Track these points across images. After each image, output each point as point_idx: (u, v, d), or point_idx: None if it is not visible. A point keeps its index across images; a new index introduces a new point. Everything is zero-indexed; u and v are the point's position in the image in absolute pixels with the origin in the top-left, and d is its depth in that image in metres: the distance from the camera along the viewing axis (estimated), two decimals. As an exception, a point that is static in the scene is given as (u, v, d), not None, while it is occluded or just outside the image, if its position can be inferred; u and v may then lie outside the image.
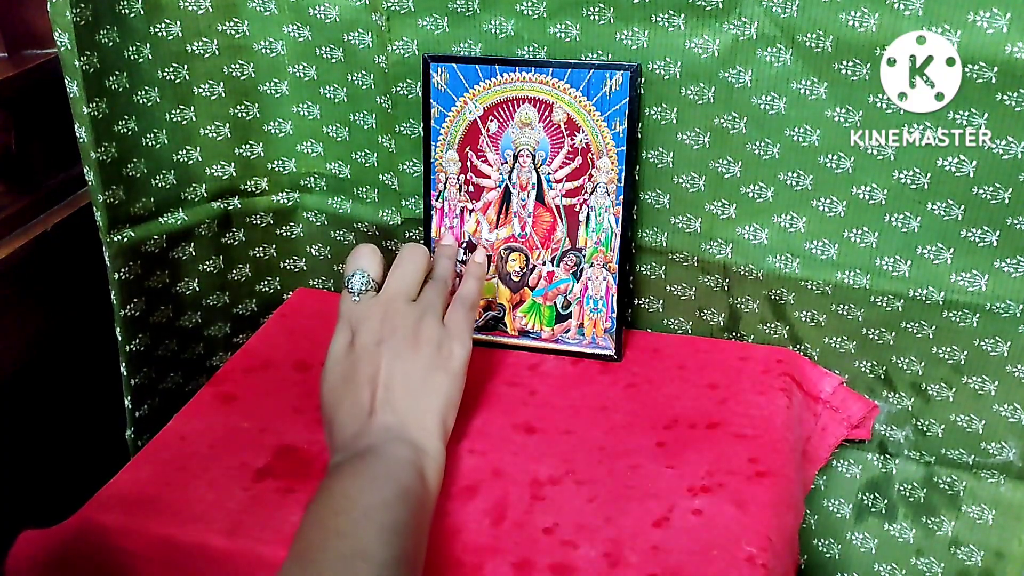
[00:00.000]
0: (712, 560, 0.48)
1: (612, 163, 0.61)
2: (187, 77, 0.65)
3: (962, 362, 0.60)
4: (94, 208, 0.63)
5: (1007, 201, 0.53)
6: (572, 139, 0.61)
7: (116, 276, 0.65)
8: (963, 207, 0.54)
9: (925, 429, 0.64)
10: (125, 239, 0.65)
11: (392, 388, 0.50)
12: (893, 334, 0.61)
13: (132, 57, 0.62)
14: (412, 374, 0.51)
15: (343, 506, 0.43)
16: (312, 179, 0.72)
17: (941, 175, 0.54)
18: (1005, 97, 0.50)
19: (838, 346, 0.64)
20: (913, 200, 0.55)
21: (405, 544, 0.42)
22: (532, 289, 0.65)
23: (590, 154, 0.61)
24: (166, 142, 0.66)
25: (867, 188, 0.56)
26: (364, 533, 0.41)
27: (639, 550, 0.49)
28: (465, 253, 0.64)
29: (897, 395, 0.64)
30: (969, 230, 0.55)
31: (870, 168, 0.56)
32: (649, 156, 0.61)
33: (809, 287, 0.61)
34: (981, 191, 0.53)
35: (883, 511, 0.67)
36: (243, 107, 0.68)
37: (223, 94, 0.67)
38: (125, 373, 0.68)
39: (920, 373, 0.62)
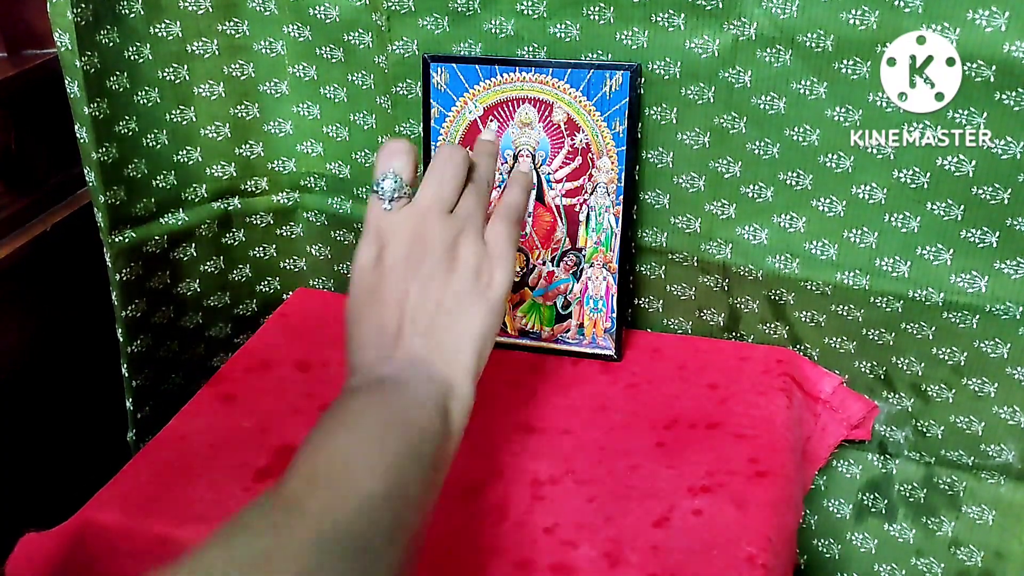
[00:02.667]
0: (712, 560, 0.48)
1: (612, 163, 0.61)
2: (187, 77, 0.65)
3: (962, 363, 0.60)
4: (95, 209, 0.63)
5: (1006, 201, 0.53)
6: (572, 139, 0.61)
7: (117, 277, 0.65)
8: (963, 207, 0.54)
9: (925, 430, 0.64)
10: (126, 240, 0.65)
11: (422, 316, 0.44)
12: (893, 335, 0.61)
13: (132, 57, 0.62)
14: (446, 302, 0.44)
15: (350, 432, 0.39)
16: (312, 179, 0.72)
17: (941, 175, 0.54)
18: (1004, 96, 0.50)
19: (838, 346, 0.64)
20: (913, 200, 0.55)
21: (406, 482, 0.38)
22: (532, 289, 0.65)
23: (590, 154, 0.61)
24: (166, 142, 0.66)
25: (867, 188, 0.56)
26: (368, 460, 0.38)
27: (639, 550, 0.49)
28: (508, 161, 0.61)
29: (897, 396, 0.64)
30: (969, 231, 0.55)
31: (870, 168, 0.56)
32: (649, 156, 0.61)
33: (809, 287, 0.61)
34: (980, 191, 0.53)
35: (883, 511, 0.67)
36: (243, 107, 0.68)
37: (223, 94, 0.67)
38: (127, 374, 0.68)
39: (920, 374, 0.62)
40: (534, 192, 0.63)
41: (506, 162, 0.63)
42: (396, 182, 0.47)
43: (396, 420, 0.40)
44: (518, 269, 0.65)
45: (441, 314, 0.44)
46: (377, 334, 0.44)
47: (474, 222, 0.47)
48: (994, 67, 0.49)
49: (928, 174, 0.54)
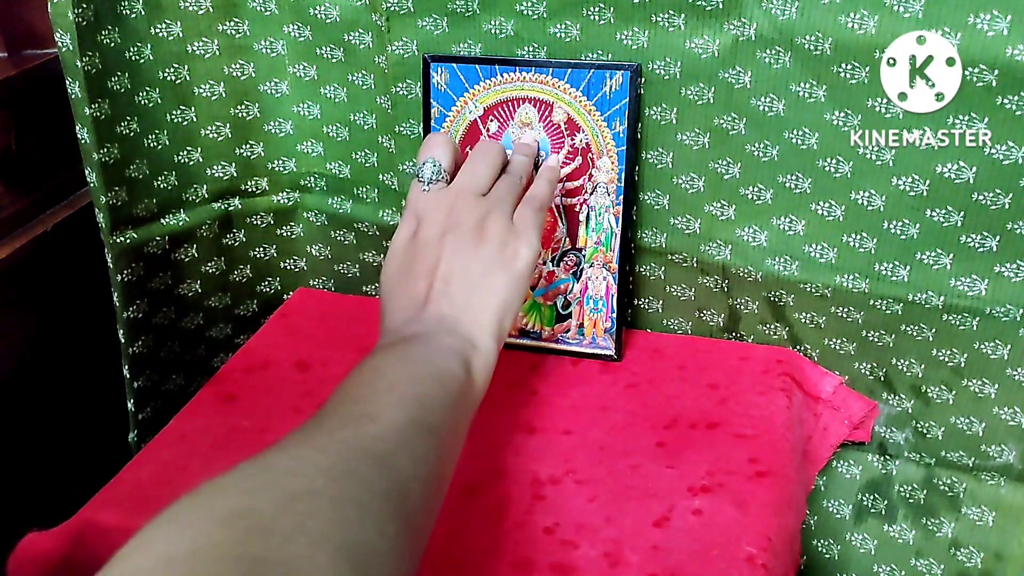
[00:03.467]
0: (712, 560, 0.48)
1: (612, 163, 0.61)
2: (188, 77, 0.65)
3: (962, 365, 0.60)
4: (96, 209, 0.63)
5: (1007, 206, 0.53)
6: (572, 139, 0.61)
7: (119, 278, 0.65)
8: (962, 213, 0.54)
9: (925, 431, 0.64)
10: (128, 240, 0.65)
11: (450, 282, 0.48)
12: (893, 336, 0.61)
13: (133, 58, 0.62)
14: (472, 269, 0.48)
15: (370, 377, 0.41)
16: (312, 179, 0.72)
17: (940, 182, 0.54)
18: (1006, 101, 0.50)
19: (838, 347, 0.64)
20: (912, 208, 0.55)
21: (428, 416, 0.40)
22: (532, 289, 0.65)
23: (590, 154, 0.61)
24: (167, 143, 0.66)
25: (866, 194, 0.56)
26: (381, 399, 0.39)
27: (639, 550, 0.49)
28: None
29: (897, 397, 0.64)
30: (969, 235, 0.55)
31: (869, 174, 0.55)
32: (649, 156, 0.61)
33: (808, 289, 0.61)
34: (981, 197, 0.53)
35: (883, 512, 0.67)
36: (243, 107, 0.68)
37: (223, 94, 0.67)
38: (128, 375, 0.68)
39: (920, 375, 0.62)
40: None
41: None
42: (435, 167, 0.52)
43: (421, 364, 0.43)
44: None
45: (467, 280, 0.48)
46: (407, 300, 0.48)
47: (503, 204, 0.51)
48: (996, 71, 0.49)
49: (927, 181, 0.54)
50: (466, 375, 0.44)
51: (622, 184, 0.61)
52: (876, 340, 0.62)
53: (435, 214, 0.50)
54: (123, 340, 0.67)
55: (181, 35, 0.64)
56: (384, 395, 0.40)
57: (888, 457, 0.66)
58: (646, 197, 0.63)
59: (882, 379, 0.64)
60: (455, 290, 0.48)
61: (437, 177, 0.52)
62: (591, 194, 0.62)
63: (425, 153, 0.53)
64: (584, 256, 0.64)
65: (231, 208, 0.71)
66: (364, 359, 0.43)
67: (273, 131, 0.70)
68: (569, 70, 0.59)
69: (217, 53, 0.66)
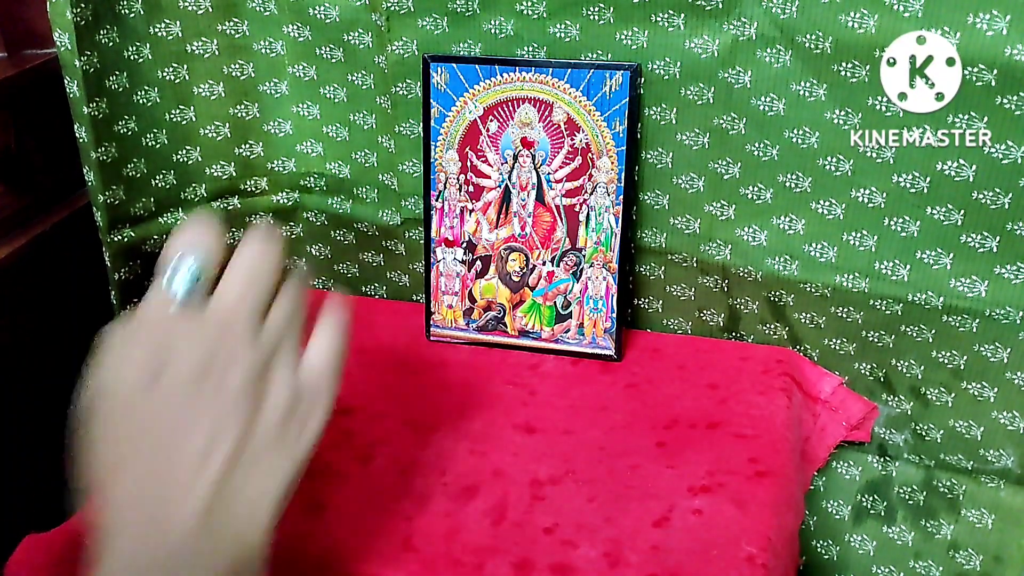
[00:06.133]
0: (712, 560, 0.48)
1: (612, 163, 0.61)
2: (187, 77, 0.65)
3: (961, 367, 0.60)
4: (94, 208, 0.63)
5: (1007, 206, 0.53)
6: (572, 139, 0.61)
7: (116, 276, 0.65)
8: (963, 212, 0.54)
9: (924, 433, 0.64)
10: (125, 239, 0.65)
11: (210, 470, 0.34)
12: (892, 337, 0.61)
13: (132, 57, 0.62)
14: (243, 452, 0.35)
15: None
16: (312, 179, 0.72)
17: (941, 180, 0.54)
18: (1005, 100, 0.50)
19: (838, 347, 0.64)
20: (912, 205, 0.55)
21: None
22: (532, 289, 0.65)
23: (590, 154, 0.61)
24: (166, 142, 0.66)
25: (866, 191, 0.56)
26: None
27: (639, 550, 0.49)
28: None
29: (896, 398, 0.64)
30: (969, 235, 0.55)
31: (869, 171, 0.56)
32: (648, 156, 0.61)
33: (808, 289, 0.61)
34: (981, 196, 0.53)
35: (882, 513, 0.67)
36: (243, 107, 0.68)
37: (223, 94, 0.67)
38: (125, 373, 0.68)
39: (919, 377, 0.62)
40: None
41: (506, 162, 0.63)
42: (194, 272, 0.37)
43: None
44: (518, 269, 0.65)
45: (235, 469, 0.35)
46: (148, 491, 0.34)
47: (290, 344, 0.38)
48: (995, 71, 0.49)
49: (928, 179, 0.54)
50: None
51: (622, 184, 0.61)
52: (876, 341, 0.62)
53: (191, 354, 0.35)
54: (121, 339, 0.67)
55: (180, 35, 0.64)
56: None
57: (888, 458, 0.66)
58: (646, 197, 0.63)
59: (882, 380, 0.64)
60: (217, 485, 0.34)
61: (194, 291, 0.37)
62: (591, 194, 0.62)
63: (180, 248, 0.37)
64: (584, 256, 0.63)
65: (230, 208, 0.71)
66: None
67: (273, 131, 0.70)
68: (569, 70, 0.59)
69: (216, 53, 0.66)
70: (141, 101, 0.64)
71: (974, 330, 0.58)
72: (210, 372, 0.35)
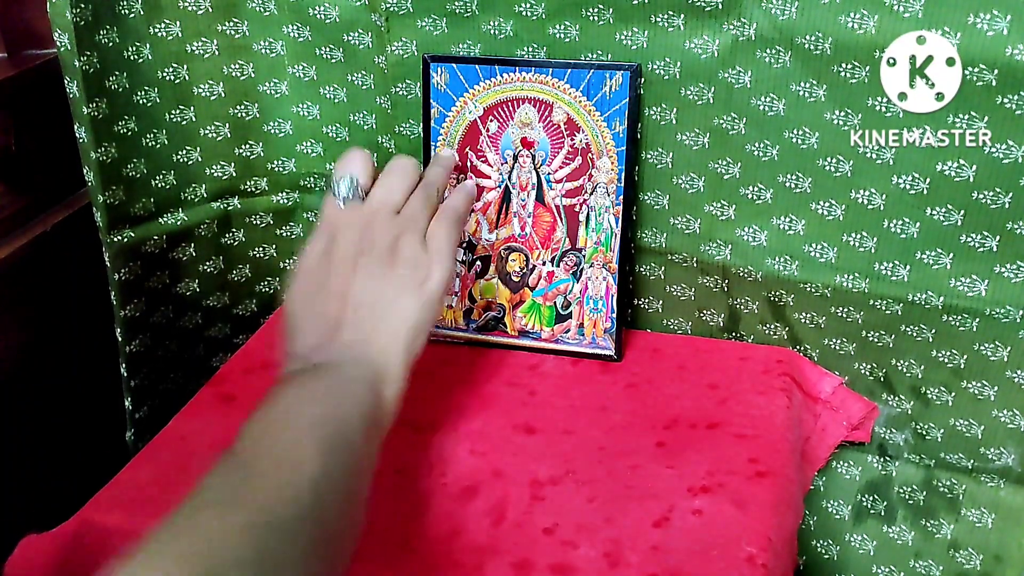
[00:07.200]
0: (712, 560, 0.48)
1: (612, 163, 0.61)
2: (187, 77, 0.65)
3: (962, 366, 0.60)
4: (94, 208, 0.63)
5: (1007, 206, 0.53)
6: (572, 139, 0.61)
7: (116, 277, 0.65)
8: (963, 212, 0.54)
9: (924, 433, 0.64)
10: (125, 239, 0.65)
11: (361, 307, 0.48)
12: (893, 337, 0.61)
13: (132, 57, 0.62)
14: (384, 294, 0.48)
15: (285, 418, 0.42)
16: (312, 179, 0.72)
17: (940, 180, 0.54)
18: (1005, 100, 0.50)
19: (838, 347, 0.64)
20: (912, 206, 0.55)
21: (347, 460, 0.41)
22: (532, 289, 0.65)
23: (590, 154, 0.61)
24: (166, 142, 0.66)
25: (866, 193, 0.56)
26: (304, 444, 0.40)
27: (639, 550, 0.49)
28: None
29: (897, 398, 0.64)
30: (969, 235, 0.55)
31: (869, 172, 0.55)
32: (648, 157, 0.61)
33: (808, 289, 0.61)
34: (981, 196, 0.53)
35: (882, 513, 0.67)
36: (243, 107, 0.68)
37: (223, 94, 0.67)
38: (125, 374, 0.68)
39: (920, 376, 0.62)
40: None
41: (506, 162, 0.63)
42: (352, 184, 0.51)
43: (335, 401, 0.43)
44: (518, 269, 0.65)
45: (378, 305, 0.48)
46: (317, 323, 0.48)
47: (417, 223, 0.51)
48: (996, 71, 0.49)
49: (928, 180, 0.54)
50: (376, 405, 0.45)
51: (622, 184, 0.61)
52: (876, 340, 0.62)
53: (349, 233, 0.50)
54: (120, 338, 0.67)
55: (180, 35, 0.64)
56: (305, 437, 0.40)
57: (888, 458, 0.66)
58: (646, 197, 0.63)
59: (882, 380, 0.64)
60: (366, 316, 0.48)
61: (353, 194, 0.51)
62: (591, 194, 0.62)
63: (342, 169, 0.52)
64: (584, 256, 0.63)
65: (230, 208, 0.71)
66: (274, 389, 0.44)
67: (272, 131, 0.70)
68: (569, 70, 0.59)
69: (216, 53, 0.66)
70: (141, 101, 0.64)
71: (974, 329, 0.58)
72: (361, 246, 0.49)
